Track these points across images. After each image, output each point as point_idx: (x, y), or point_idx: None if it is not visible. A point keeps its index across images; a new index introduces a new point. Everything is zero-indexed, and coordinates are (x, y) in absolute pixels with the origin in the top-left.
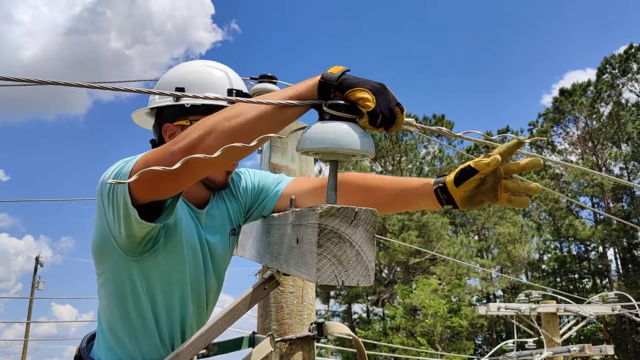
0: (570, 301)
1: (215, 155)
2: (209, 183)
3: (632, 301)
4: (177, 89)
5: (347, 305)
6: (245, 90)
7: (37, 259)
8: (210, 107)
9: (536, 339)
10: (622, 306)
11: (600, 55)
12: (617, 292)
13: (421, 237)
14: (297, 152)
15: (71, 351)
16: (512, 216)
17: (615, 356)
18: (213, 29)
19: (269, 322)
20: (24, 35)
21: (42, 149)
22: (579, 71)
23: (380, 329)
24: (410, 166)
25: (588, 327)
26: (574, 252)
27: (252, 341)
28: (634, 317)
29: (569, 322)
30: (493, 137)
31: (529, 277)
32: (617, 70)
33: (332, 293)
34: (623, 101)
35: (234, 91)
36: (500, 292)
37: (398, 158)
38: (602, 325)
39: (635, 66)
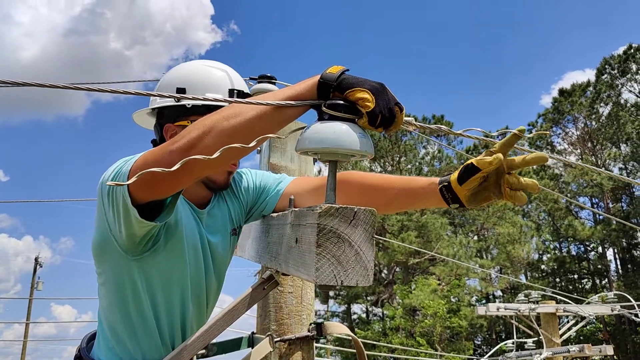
0: (570, 301)
1: (214, 156)
2: (210, 183)
3: (631, 301)
4: (178, 90)
5: (346, 305)
6: (246, 90)
7: (36, 259)
8: (212, 108)
9: (535, 339)
10: (621, 306)
11: (600, 56)
12: (617, 292)
13: (420, 238)
14: (296, 152)
15: (70, 351)
16: (511, 216)
17: (615, 356)
18: (212, 29)
19: (268, 322)
20: (23, 36)
21: (41, 149)
22: (578, 72)
23: (380, 330)
24: (409, 166)
25: (587, 327)
26: (574, 253)
27: (251, 341)
28: (633, 318)
29: (568, 322)
30: (492, 134)
31: (529, 278)
32: (616, 71)
33: (331, 293)
34: (622, 101)
35: (235, 91)
36: (499, 293)
37: (397, 158)
38: (601, 326)
39: (634, 67)
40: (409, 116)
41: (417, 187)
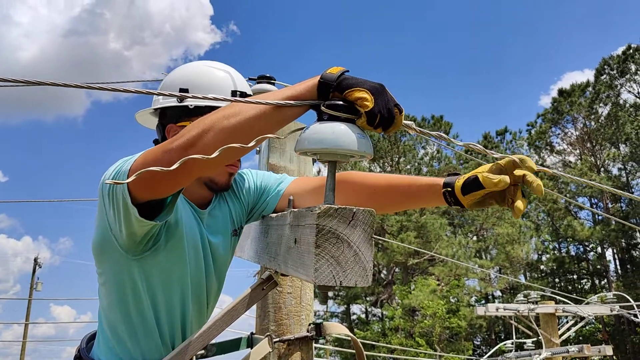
0: (569, 302)
1: (213, 156)
2: (212, 184)
3: (630, 302)
4: (181, 90)
5: (345, 306)
6: (249, 91)
7: (35, 260)
8: (214, 109)
9: (535, 339)
10: (620, 307)
11: (599, 56)
12: (616, 292)
13: (420, 238)
14: (295, 153)
15: (69, 352)
16: (510, 217)
17: (614, 357)
18: (212, 30)
19: (267, 322)
20: (23, 36)
21: (41, 149)
22: (577, 72)
23: (379, 330)
24: (408, 167)
25: (587, 327)
26: (573, 253)
27: (251, 342)
28: (632, 318)
29: (567, 322)
30: (493, 153)
31: (528, 278)
32: (615, 71)
33: (330, 294)
34: (621, 102)
35: (237, 93)
36: (498, 293)
37: (396, 159)
38: (600, 326)
39: (633, 67)
40: (408, 117)
41: (419, 188)
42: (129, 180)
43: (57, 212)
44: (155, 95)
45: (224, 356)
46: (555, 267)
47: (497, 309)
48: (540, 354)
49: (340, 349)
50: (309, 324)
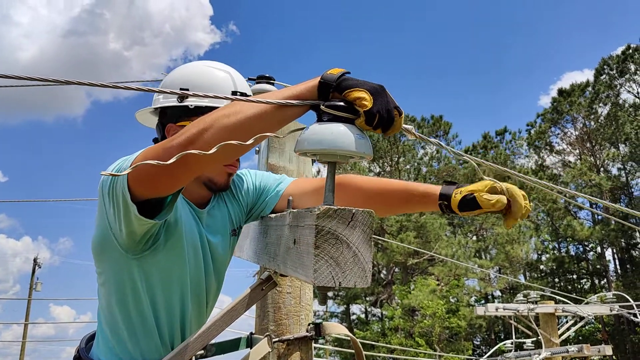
0: (569, 301)
1: (210, 152)
2: (210, 184)
3: (630, 301)
4: (182, 90)
5: (345, 306)
6: (249, 92)
7: (35, 260)
8: (214, 109)
9: (534, 339)
10: (620, 306)
11: (598, 57)
12: (615, 292)
13: (419, 238)
14: (295, 153)
15: (69, 352)
16: None
17: (614, 356)
18: (211, 30)
19: (266, 322)
20: (22, 36)
21: (40, 149)
22: (576, 72)
23: (379, 330)
24: (408, 167)
25: (586, 327)
26: (572, 253)
27: (250, 342)
28: (632, 318)
29: (567, 322)
30: (489, 164)
31: (527, 278)
32: (614, 71)
33: (330, 294)
34: (621, 102)
35: (237, 93)
36: (498, 293)
37: (396, 158)
38: (600, 326)
39: (632, 67)
40: (407, 117)
41: (415, 194)
42: (127, 171)
43: (57, 212)
44: (155, 95)
45: (224, 356)
46: (554, 267)
47: (496, 309)
48: (539, 354)
49: (340, 349)
50: (309, 324)
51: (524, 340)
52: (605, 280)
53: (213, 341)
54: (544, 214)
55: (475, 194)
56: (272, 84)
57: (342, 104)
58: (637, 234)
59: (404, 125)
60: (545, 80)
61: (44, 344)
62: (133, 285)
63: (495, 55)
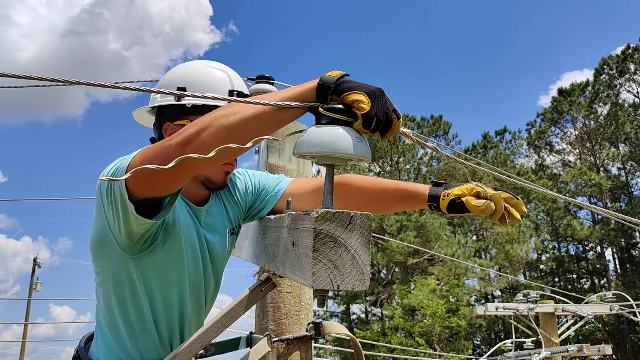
0: (568, 301)
1: (209, 155)
2: (208, 183)
3: (630, 301)
4: (179, 89)
5: (345, 305)
6: (246, 91)
7: (35, 260)
8: (212, 108)
9: (534, 339)
10: (620, 306)
11: (598, 56)
12: (615, 291)
13: (419, 238)
14: (293, 156)
15: (69, 352)
16: None
17: (614, 356)
18: (211, 30)
19: (266, 322)
20: (22, 36)
21: (40, 150)
22: (576, 72)
23: (379, 329)
24: (408, 167)
25: (586, 327)
26: (572, 252)
27: (250, 341)
28: (632, 317)
29: (567, 322)
30: (482, 169)
31: (527, 277)
32: (614, 71)
33: (330, 293)
34: (621, 101)
35: (235, 92)
36: (498, 292)
37: (396, 158)
38: (600, 325)
39: (632, 67)
40: (407, 116)
41: (406, 194)
42: (125, 176)
43: (57, 212)
44: (152, 94)
45: (223, 356)
46: (554, 267)
47: (496, 309)
48: (539, 354)
49: (340, 348)
50: (308, 324)
51: (524, 339)
52: (605, 279)
53: (213, 341)
54: (543, 213)
55: (463, 199)
56: (272, 83)
57: (340, 106)
58: (637, 233)
59: (401, 129)
60: (545, 80)
61: (43, 344)
62: (132, 285)
63: (495, 54)
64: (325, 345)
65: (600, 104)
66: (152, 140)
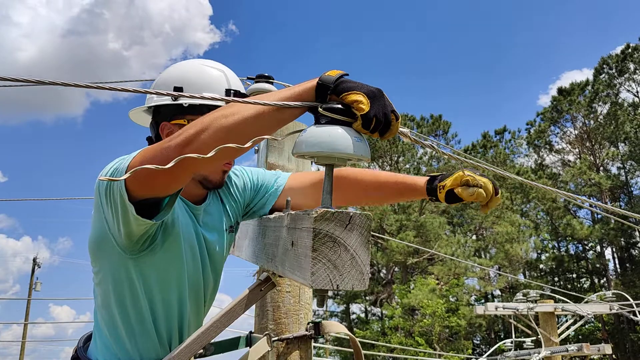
0: (568, 300)
1: (209, 155)
2: (206, 182)
3: (629, 300)
4: (175, 88)
5: (345, 305)
6: (242, 90)
7: (34, 260)
8: (209, 107)
9: (534, 338)
10: (619, 305)
11: (598, 56)
12: (615, 291)
13: (419, 237)
14: (292, 155)
15: (68, 352)
16: (509, 215)
17: (613, 355)
18: (211, 30)
19: (265, 321)
20: (22, 36)
21: (40, 149)
22: (575, 71)
23: (379, 329)
24: (407, 166)
25: (586, 326)
26: (572, 252)
27: (249, 341)
28: (631, 316)
29: (566, 321)
30: (484, 165)
31: (527, 277)
32: (614, 70)
33: (330, 293)
34: (620, 101)
35: (231, 91)
36: (498, 292)
37: (395, 158)
38: (600, 325)
39: (632, 66)
40: (406, 117)
41: (404, 186)
42: (125, 176)
43: (57, 212)
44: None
45: (223, 355)
46: (554, 266)
47: (496, 308)
48: (539, 353)
49: (340, 348)
50: (308, 323)
51: (524, 339)
52: (604, 279)
53: (212, 340)
54: (543, 212)
55: (455, 191)
56: (272, 83)
57: (339, 106)
58: (637, 232)
59: (400, 129)
60: (544, 80)
61: (43, 343)
62: (131, 285)
63: (495, 54)
64: (325, 345)
65: (600, 104)
66: (149, 140)
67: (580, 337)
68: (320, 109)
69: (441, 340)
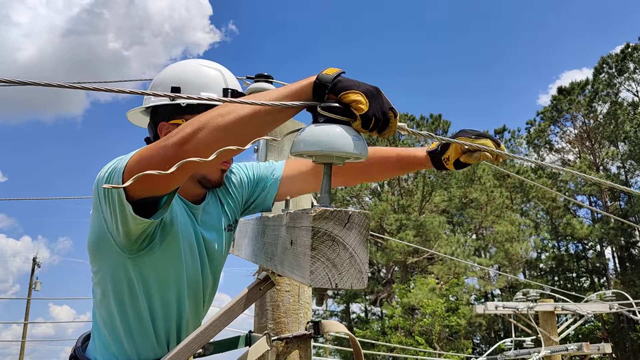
0: (568, 300)
1: (210, 158)
2: (205, 182)
3: (629, 299)
4: (173, 88)
5: (345, 304)
6: (240, 89)
7: (34, 259)
8: (207, 107)
9: (534, 337)
10: (619, 304)
11: (597, 55)
12: (615, 290)
13: (419, 237)
14: (291, 155)
15: (68, 352)
16: (509, 215)
17: (613, 354)
18: (211, 29)
19: (265, 320)
20: (22, 36)
21: (40, 149)
22: (575, 71)
23: (379, 329)
24: None
25: (586, 325)
26: (572, 251)
27: (249, 340)
28: (631, 316)
29: (566, 320)
30: (477, 145)
31: (527, 276)
32: (614, 70)
33: (330, 293)
34: (620, 100)
35: (229, 90)
36: (498, 291)
37: None
38: (599, 324)
39: (632, 65)
40: (406, 116)
41: (407, 159)
42: (127, 184)
43: (57, 212)
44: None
45: (222, 354)
46: (554, 265)
47: (496, 307)
48: (539, 352)
49: (340, 347)
50: (307, 322)
51: (524, 338)
52: (604, 278)
53: (212, 340)
54: (543, 212)
55: (461, 160)
56: (271, 82)
57: (338, 105)
58: (637, 232)
59: (398, 124)
60: (544, 79)
61: (43, 343)
62: (130, 284)
63: (494, 53)
64: (324, 345)
65: (600, 103)
66: (147, 141)
67: (580, 336)
68: (319, 109)
69: (441, 340)
